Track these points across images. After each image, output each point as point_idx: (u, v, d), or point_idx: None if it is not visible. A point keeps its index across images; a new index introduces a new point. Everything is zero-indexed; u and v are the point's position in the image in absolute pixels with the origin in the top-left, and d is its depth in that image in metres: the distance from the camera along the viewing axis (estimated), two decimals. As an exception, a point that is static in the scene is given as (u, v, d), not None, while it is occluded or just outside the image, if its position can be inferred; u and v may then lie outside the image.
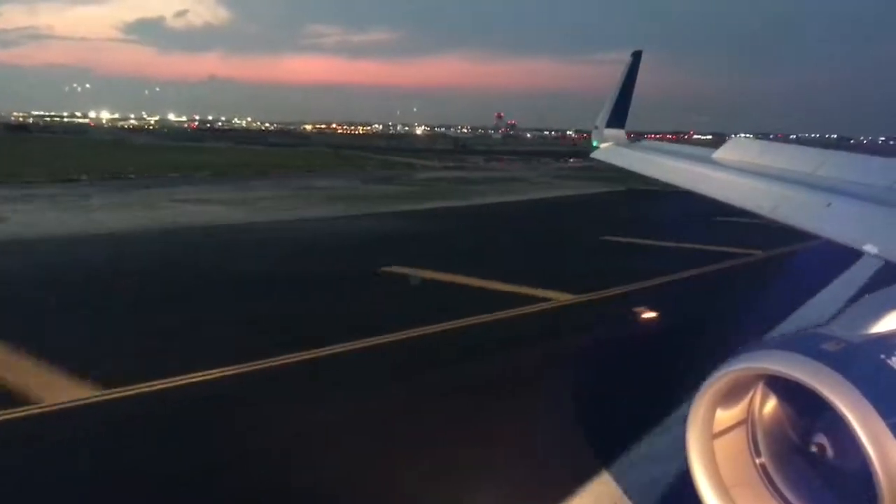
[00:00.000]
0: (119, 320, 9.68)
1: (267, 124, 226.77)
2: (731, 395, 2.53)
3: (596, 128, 9.08)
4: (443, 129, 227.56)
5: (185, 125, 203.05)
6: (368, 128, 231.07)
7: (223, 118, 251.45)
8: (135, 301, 10.71)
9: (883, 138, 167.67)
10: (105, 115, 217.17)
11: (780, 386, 2.44)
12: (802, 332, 2.43)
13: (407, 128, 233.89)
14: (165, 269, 13.35)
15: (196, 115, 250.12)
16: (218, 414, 6.44)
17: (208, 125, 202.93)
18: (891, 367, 2.16)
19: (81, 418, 6.34)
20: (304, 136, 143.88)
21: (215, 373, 7.27)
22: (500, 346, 8.67)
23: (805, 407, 2.36)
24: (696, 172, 6.40)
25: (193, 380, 7.08)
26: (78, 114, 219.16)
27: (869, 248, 3.76)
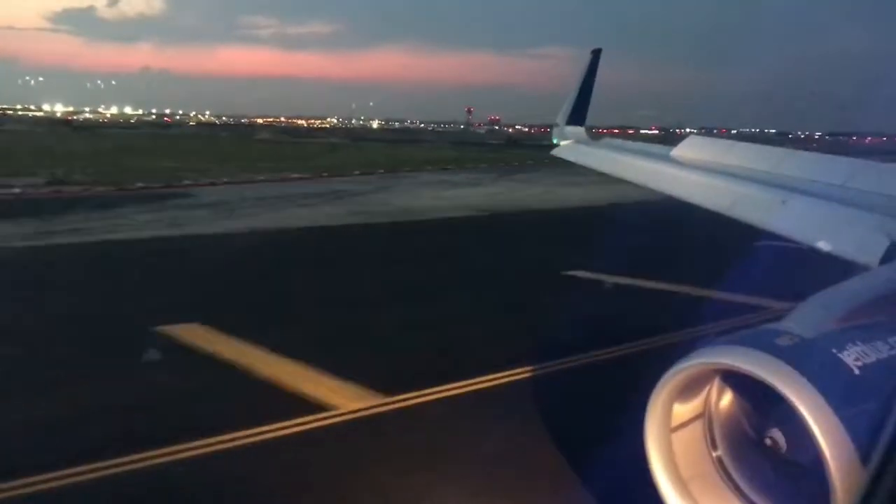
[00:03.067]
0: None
1: (214, 119, 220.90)
2: (688, 390, 2.56)
3: (556, 125, 9.04)
4: (395, 124, 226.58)
5: (138, 119, 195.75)
6: (322, 121, 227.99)
7: (181, 112, 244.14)
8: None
9: (819, 133, 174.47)
10: (59, 108, 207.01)
11: (736, 381, 2.48)
12: (756, 328, 2.47)
13: (362, 121, 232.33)
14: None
15: (141, 108, 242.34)
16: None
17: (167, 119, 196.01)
18: (842, 361, 2.21)
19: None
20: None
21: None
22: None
23: (760, 401, 2.41)
24: (654, 170, 6.43)
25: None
26: (32, 106, 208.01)
27: (822, 244, 3.84)
